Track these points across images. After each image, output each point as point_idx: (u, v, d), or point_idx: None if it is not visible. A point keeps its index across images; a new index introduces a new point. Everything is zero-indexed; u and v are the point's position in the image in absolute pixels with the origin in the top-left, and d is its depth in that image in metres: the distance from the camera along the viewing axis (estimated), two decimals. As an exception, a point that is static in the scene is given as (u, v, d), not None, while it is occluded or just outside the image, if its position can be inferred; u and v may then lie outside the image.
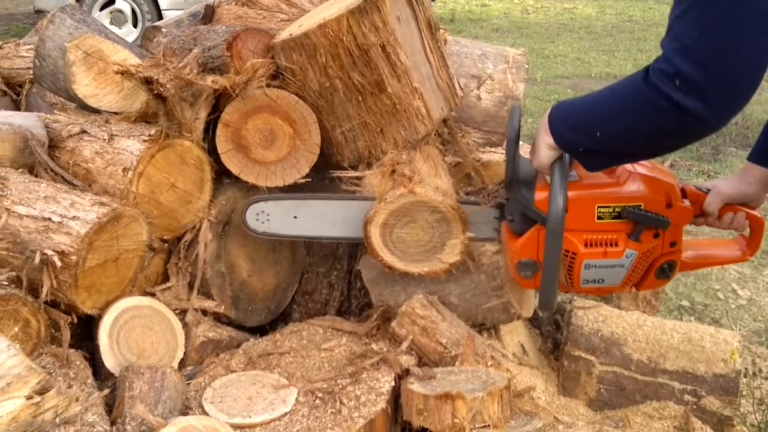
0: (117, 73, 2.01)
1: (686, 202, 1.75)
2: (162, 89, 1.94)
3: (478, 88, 2.52)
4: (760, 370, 2.76)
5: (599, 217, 1.70)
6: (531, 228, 1.74)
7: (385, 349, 2.02)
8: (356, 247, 2.42)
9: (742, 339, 2.37)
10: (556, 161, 1.62)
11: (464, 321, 2.09)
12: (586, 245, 1.71)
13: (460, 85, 2.30)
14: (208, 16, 2.49)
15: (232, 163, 2.11)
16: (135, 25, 7.73)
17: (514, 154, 1.71)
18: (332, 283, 2.44)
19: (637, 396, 2.28)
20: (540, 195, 1.70)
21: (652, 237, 1.73)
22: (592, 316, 2.38)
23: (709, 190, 1.77)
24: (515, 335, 2.33)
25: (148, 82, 1.95)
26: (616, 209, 1.69)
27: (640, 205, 1.69)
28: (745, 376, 2.59)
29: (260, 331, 2.31)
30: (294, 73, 2.07)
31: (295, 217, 2.06)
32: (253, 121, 2.09)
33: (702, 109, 1.29)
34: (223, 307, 2.19)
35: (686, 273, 3.50)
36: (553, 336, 2.57)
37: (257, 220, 2.08)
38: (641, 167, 1.72)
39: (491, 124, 2.59)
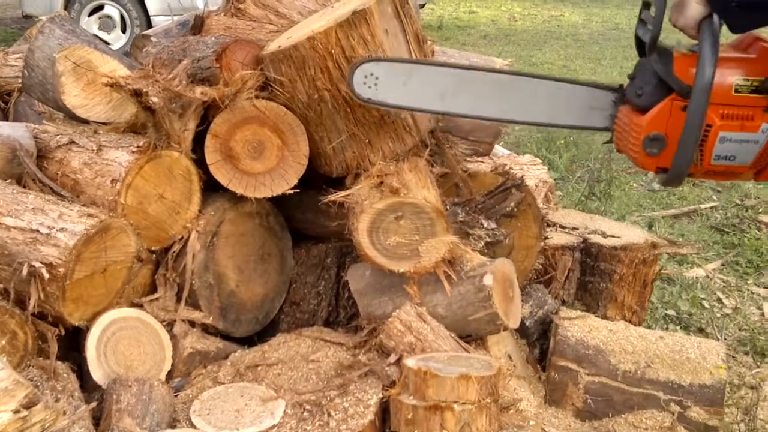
0: (106, 85, 2.01)
1: None
2: (151, 102, 1.94)
3: (466, 99, 2.53)
4: (745, 381, 2.78)
5: (737, 91, 1.67)
6: (663, 99, 1.70)
7: (372, 361, 2.03)
8: (344, 257, 2.43)
9: (727, 348, 2.39)
10: (705, 22, 1.59)
11: (451, 332, 2.10)
12: (722, 118, 1.68)
13: (448, 97, 2.31)
14: (197, 26, 2.50)
15: (221, 174, 2.11)
16: (123, 31, 7.69)
17: (663, 11, 1.65)
18: (320, 293, 2.45)
19: (624, 406, 2.29)
20: (680, 62, 1.67)
21: None
22: (579, 327, 2.39)
23: None
24: (502, 346, 2.34)
25: (137, 94, 1.96)
26: (754, 83, 1.66)
27: None
28: (730, 388, 2.61)
29: (248, 341, 2.31)
30: (283, 84, 2.08)
31: (404, 84, 1.92)
32: (242, 132, 2.09)
33: None
34: (210, 318, 2.18)
35: (671, 282, 3.53)
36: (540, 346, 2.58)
37: (364, 83, 1.93)
38: None
39: (478, 133, 2.61)
